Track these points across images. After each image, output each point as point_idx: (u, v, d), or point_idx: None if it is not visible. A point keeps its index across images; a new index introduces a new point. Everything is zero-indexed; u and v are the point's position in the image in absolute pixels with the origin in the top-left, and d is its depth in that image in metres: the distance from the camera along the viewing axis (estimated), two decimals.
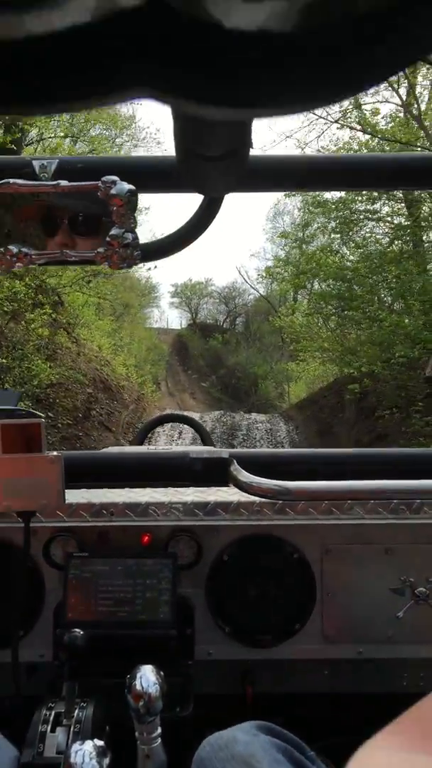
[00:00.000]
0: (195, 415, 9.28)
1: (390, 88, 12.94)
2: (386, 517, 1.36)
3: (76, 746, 0.85)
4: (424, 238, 12.68)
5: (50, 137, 14.65)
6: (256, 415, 18.52)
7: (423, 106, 12.40)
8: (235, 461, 1.34)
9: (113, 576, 1.27)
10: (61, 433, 10.48)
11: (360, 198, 12.81)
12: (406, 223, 13.03)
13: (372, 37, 0.22)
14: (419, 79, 12.29)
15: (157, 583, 1.26)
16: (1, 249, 0.89)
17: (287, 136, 16.27)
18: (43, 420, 1.17)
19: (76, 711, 1.05)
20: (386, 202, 12.92)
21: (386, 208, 13.39)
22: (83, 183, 0.88)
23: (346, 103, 13.38)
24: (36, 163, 0.94)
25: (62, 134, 14.79)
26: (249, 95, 0.23)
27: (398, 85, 12.73)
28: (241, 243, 58.49)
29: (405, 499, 1.33)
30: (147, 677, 0.94)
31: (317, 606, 1.35)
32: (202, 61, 0.21)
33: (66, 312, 14.02)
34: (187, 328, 37.95)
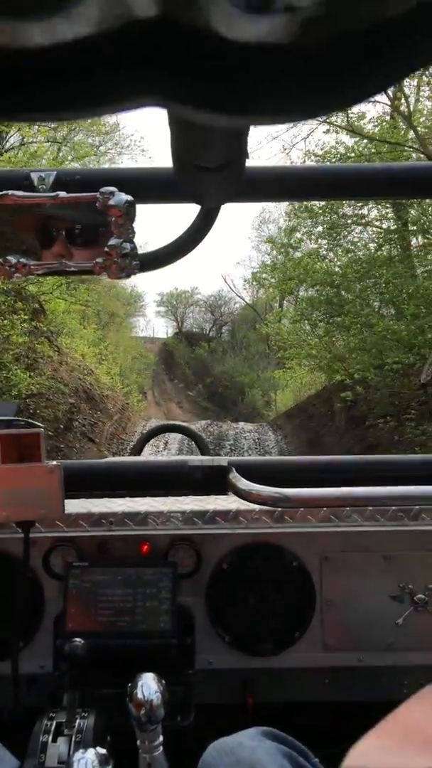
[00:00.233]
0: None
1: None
2: (385, 524, 1.35)
3: (78, 755, 0.86)
4: (413, 242, 12.52)
5: (31, 142, 14.37)
6: (243, 424, 18.31)
7: (412, 106, 12.24)
8: (234, 469, 1.37)
9: (113, 585, 1.27)
10: None
11: (347, 202, 12.63)
12: (393, 227, 12.87)
13: (375, 51, 0.23)
14: (406, 79, 12.13)
15: (157, 592, 1.26)
16: (0, 260, 0.90)
17: (273, 138, 16.21)
18: (42, 430, 1.17)
19: (78, 721, 1.04)
20: (375, 205, 12.74)
21: (374, 212, 13.24)
22: (82, 194, 0.88)
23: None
24: (34, 176, 0.94)
25: (43, 139, 14.52)
26: (250, 103, 0.24)
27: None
28: (227, 252, 58.71)
29: (404, 505, 1.33)
30: (148, 685, 0.94)
31: (317, 614, 1.35)
32: (208, 70, 0.23)
33: (47, 320, 13.67)
34: (173, 337, 37.92)
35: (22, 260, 0.91)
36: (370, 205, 12.96)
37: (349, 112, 13.21)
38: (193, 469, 1.42)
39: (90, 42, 0.21)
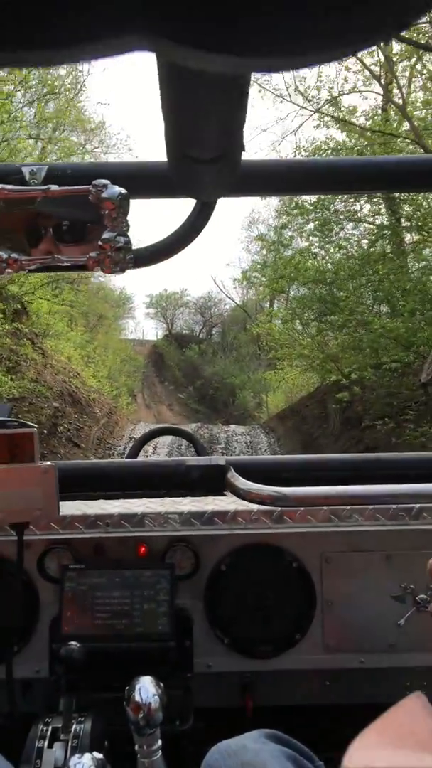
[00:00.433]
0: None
1: (372, 79, 12.52)
2: (386, 524, 1.34)
3: (74, 759, 0.86)
4: (407, 238, 12.20)
5: (12, 138, 13.97)
6: (235, 427, 17.98)
7: (403, 99, 11.92)
8: (231, 468, 1.37)
9: (110, 588, 1.26)
10: None
11: (339, 197, 12.31)
12: (387, 222, 12.57)
13: None
14: (399, 69, 11.86)
15: (154, 594, 1.25)
16: None
17: (263, 130, 16.03)
18: (36, 430, 1.16)
19: (74, 725, 1.02)
20: (368, 200, 12.42)
21: (367, 208, 12.94)
22: (74, 187, 0.88)
23: (323, 98, 12.96)
24: (26, 170, 0.94)
25: (25, 135, 14.14)
26: (254, 40, 0.23)
27: (380, 72, 12.29)
28: (216, 253, 58.47)
29: (403, 503, 1.33)
30: (146, 688, 0.94)
31: (317, 615, 1.34)
32: (202, 6, 0.21)
33: (30, 321, 13.23)
34: (163, 339, 37.71)
35: (14, 255, 0.89)
36: (362, 201, 12.68)
37: (340, 106, 12.96)
38: (191, 469, 1.41)
39: None
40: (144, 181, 1.03)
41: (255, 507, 1.33)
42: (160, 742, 0.95)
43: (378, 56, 12.37)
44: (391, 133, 10.54)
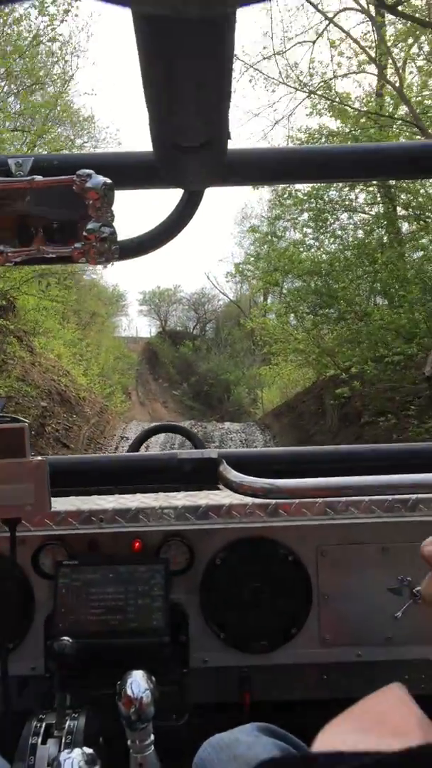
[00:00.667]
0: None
1: (366, 64, 12.17)
2: (381, 516, 1.34)
3: (64, 754, 0.86)
4: (404, 227, 11.87)
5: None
6: (229, 424, 17.67)
7: (400, 81, 11.56)
8: (224, 461, 1.37)
9: (104, 584, 1.26)
10: None
11: (334, 186, 11.96)
12: (383, 211, 12.23)
13: None
14: (395, 51, 11.50)
15: (149, 589, 1.25)
16: None
17: (255, 114, 15.78)
18: (27, 424, 1.15)
19: (68, 722, 1.02)
20: (363, 188, 12.06)
21: (362, 196, 12.58)
22: (58, 178, 0.88)
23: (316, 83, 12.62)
24: (11, 162, 0.94)
25: (10, 125, 13.77)
26: None
27: (376, 54, 11.93)
28: (209, 248, 58.20)
29: (397, 494, 1.32)
30: (138, 683, 0.94)
31: (313, 609, 1.33)
32: None
33: (17, 318, 12.83)
34: (157, 336, 37.70)
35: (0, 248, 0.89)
36: (357, 189, 12.34)
37: (334, 91, 12.62)
38: (183, 462, 1.41)
39: None
40: (130, 171, 1.02)
41: (249, 501, 1.33)
42: (152, 737, 0.95)
43: (374, 37, 12.06)
44: (390, 116, 10.16)
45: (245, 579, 1.33)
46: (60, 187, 0.87)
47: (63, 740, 0.99)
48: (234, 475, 1.29)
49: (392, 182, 10.53)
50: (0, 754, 1.02)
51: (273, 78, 13.69)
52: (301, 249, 12.89)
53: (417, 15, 10.31)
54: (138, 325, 50.25)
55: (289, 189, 12.49)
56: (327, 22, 12.95)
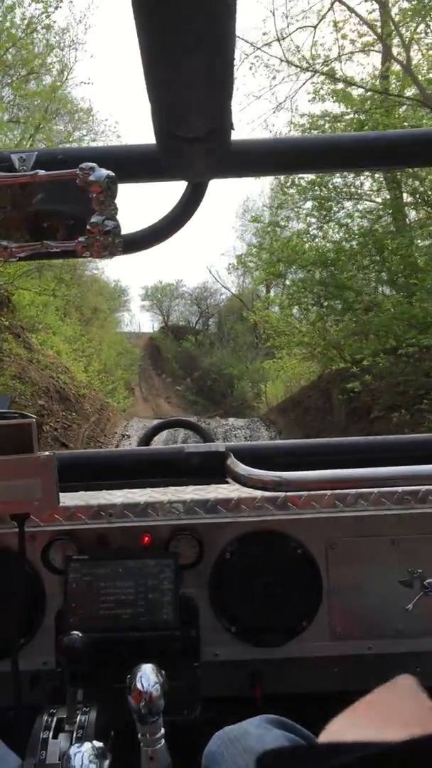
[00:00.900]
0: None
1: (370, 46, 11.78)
2: (391, 508, 1.34)
3: (74, 749, 0.87)
4: (413, 215, 11.47)
5: None
6: (233, 420, 17.33)
7: (408, 59, 11.15)
8: (231, 454, 1.38)
9: (114, 578, 1.26)
10: None
11: (339, 173, 11.57)
12: (389, 197, 11.84)
13: None
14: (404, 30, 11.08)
15: (159, 583, 1.25)
16: None
17: (256, 97, 15.48)
18: (34, 420, 1.17)
19: (79, 716, 1.03)
20: (369, 175, 11.67)
21: (368, 184, 12.19)
22: (61, 171, 0.88)
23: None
24: (15, 157, 0.94)
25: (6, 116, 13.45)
26: None
27: (381, 31, 11.53)
28: (211, 242, 57.91)
29: (406, 485, 1.32)
30: (147, 676, 0.94)
31: (324, 602, 1.34)
32: None
33: (13, 314, 12.48)
34: (159, 331, 37.89)
35: (3, 243, 0.89)
36: (362, 177, 11.95)
37: (341, 71, 12.24)
38: (191, 456, 1.41)
39: None
40: (133, 164, 1.02)
41: (258, 494, 1.33)
42: (163, 731, 0.95)
43: (378, 15, 11.68)
44: (398, 95, 9.74)
45: (255, 572, 1.34)
46: (63, 181, 0.87)
47: (74, 734, 1.00)
48: (242, 468, 1.27)
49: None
50: (12, 749, 1.03)
51: (275, 56, 13.28)
52: (305, 239, 12.55)
53: None
54: (140, 320, 50.35)
55: (292, 177, 12.13)
56: (330, 2, 12.56)
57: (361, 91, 12.00)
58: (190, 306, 38.81)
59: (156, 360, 34.02)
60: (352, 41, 12.65)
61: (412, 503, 1.33)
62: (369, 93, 11.71)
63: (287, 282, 14.62)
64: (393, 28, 10.45)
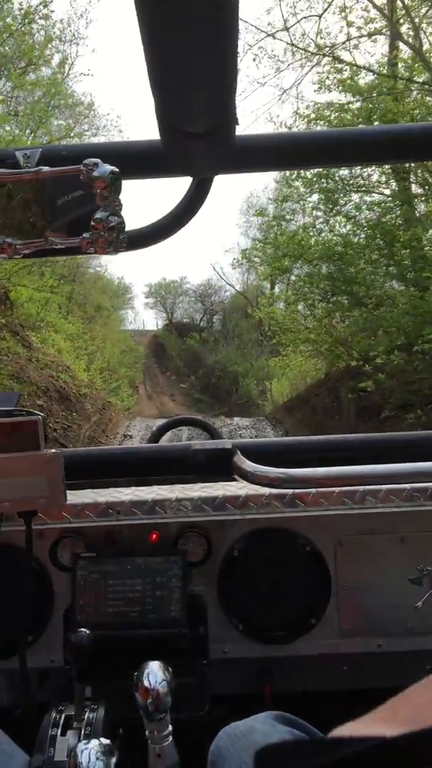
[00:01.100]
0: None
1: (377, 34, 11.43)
2: (400, 505, 1.34)
3: (81, 745, 0.86)
4: (422, 207, 11.11)
5: None
6: (239, 420, 17.14)
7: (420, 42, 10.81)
8: (238, 451, 1.36)
9: (122, 575, 1.27)
10: None
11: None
12: (396, 189, 11.51)
13: None
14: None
15: (166, 581, 1.26)
16: None
17: (260, 84, 15.20)
18: (41, 417, 1.16)
19: (87, 713, 1.04)
20: (377, 166, 11.32)
21: (375, 175, 11.82)
22: (65, 168, 0.88)
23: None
24: (19, 154, 0.95)
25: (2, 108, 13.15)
26: None
27: (393, 18, 11.18)
28: (215, 239, 57.73)
29: (414, 482, 1.31)
30: (154, 673, 0.95)
31: (333, 599, 1.34)
32: None
33: (12, 312, 12.19)
34: (164, 329, 38.12)
35: (8, 240, 0.89)
36: (370, 168, 11.61)
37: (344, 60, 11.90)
38: (198, 453, 1.40)
39: None
40: (138, 159, 1.01)
41: (266, 491, 1.33)
42: (170, 728, 0.96)
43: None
44: (409, 79, 9.39)
45: (263, 570, 1.34)
46: (67, 177, 0.87)
47: (82, 731, 1.01)
48: (248, 465, 1.28)
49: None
50: (20, 746, 1.03)
51: (282, 40, 12.94)
52: (311, 233, 12.28)
53: None
54: (144, 317, 50.36)
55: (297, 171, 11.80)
56: None
57: (367, 80, 11.66)
58: (195, 303, 38.72)
59: (160, 358, 34.01)
60: (359, 28, 12.32)
61: (421, 500, 1.33)
62: (376, 81, 11.35)
63: (293, 277, 14.30)
64: (404, 11, 10.08)
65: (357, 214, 11.63)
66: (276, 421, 16.00)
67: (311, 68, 12.59)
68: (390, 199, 11.60)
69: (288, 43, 12.81)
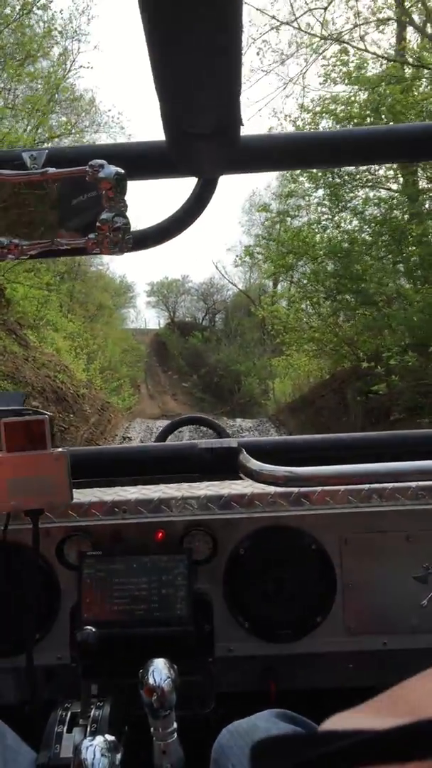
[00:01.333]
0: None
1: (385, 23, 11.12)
2: (406, 504, 1.33)
3: (86, 742, 0.87)
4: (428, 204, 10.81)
5: None
6: (241, 421, 16.91)
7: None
8: (243, 450, 1.38)
9: (128, 574, 1.28)
10: None
11: None
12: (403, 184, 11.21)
13: None
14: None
15: (172, 579, 1.27)
16: None
17: (266, 72, 14.98)
18: (48, 417, 1.18)
19: (93, 710, 1.05)
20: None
21: (382, 170, 11.51)
22: (71, 169, 0.89)
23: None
24: (26, 155, 0.95)
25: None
26: None
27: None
28: (217, 238, 57.45)
29: (420, 480, 1.31)
30: (159, 671, 0.96)
31: (338, 597, 1.34)
32: None
33: (6, 309, 11.88)
34: (165, 328, 38.16)
35: (15, 241, 0.90)
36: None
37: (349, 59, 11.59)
38: (203, 452, 1.42)
39: None
40: (143, 160, 1.02)
41: (272, 490, 1.33)
42: (175, 725, 0.97)
43: None
44: (421, 65, 9.08)
45: (269, 568, 1.34)
46: (73, 178, 0.87)
47: (88, 729, 1.01)
48: (253, 464, 1.29)
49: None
50: (26, 743, 1.04)
51: (289, 24, 12.63)
52: (316, 230, 11.97)
53: None
54: (146, 316, 50.19)
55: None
56: None
57: (375, 72, 11.35)
58: (197, 302, 38.77)
59: (162, 357, 33.92)
60: (366, 19, 12.01)
61: (426, 498, 1.33)
62: (384, 72, 11.03)
63: (297, 275, 14.01)
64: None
65: (364, 209, 11.32)
66: (280, 422, 15.71)
67: (316, 59, 12.28)
68: (398, 194, 11.28)
69: (295, 27, 12.51)
